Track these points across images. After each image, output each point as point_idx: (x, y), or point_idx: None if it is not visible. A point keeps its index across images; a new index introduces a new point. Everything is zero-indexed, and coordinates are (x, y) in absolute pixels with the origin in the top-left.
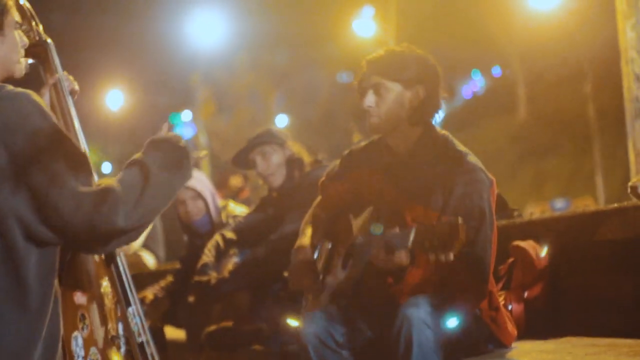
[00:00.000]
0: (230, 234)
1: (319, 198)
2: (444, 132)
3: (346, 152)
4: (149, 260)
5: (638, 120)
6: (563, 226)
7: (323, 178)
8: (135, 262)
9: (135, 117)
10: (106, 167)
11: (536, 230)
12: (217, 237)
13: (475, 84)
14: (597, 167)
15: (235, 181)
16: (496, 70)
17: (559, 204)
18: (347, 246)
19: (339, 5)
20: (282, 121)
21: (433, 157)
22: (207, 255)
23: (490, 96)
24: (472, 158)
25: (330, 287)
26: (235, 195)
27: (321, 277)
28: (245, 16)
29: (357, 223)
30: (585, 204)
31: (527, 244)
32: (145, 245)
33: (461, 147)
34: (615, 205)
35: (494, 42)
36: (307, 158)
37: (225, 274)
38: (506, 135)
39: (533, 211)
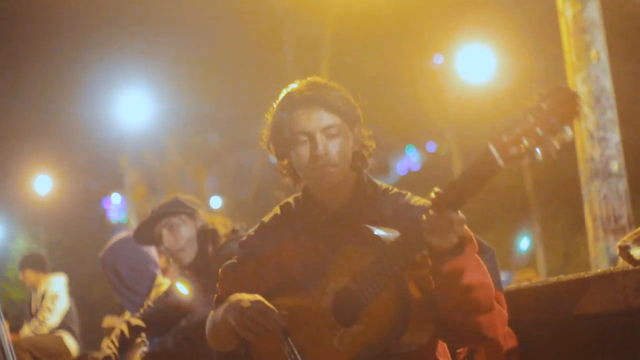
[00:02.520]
0: (136, 321)
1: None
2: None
3: (254, 227)
4: (72, 344)
5: (594, 181)
6: (534, 299)
7: (226, 264)
8: (56, 345)
9: (64, 202)
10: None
11: None
12: (121, 326)
13: (409, 160)
14: (537, 239)
15: (160, 262)
16: (431, 146)
17: (501, 277)
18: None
19: (268, 86)
20: (216, 203)
21: (378, 207)
22: (110, 347)
23: (425, 171)
24: (418, 198)
25: None
26: None
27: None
28: (173, 97)
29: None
30: (528, 277)
31: None
32: (66, 327)
33: (399, 190)
34: (599, 270)
35: (428, 117)
36: (222, 229)
37: None
38: None
39: None
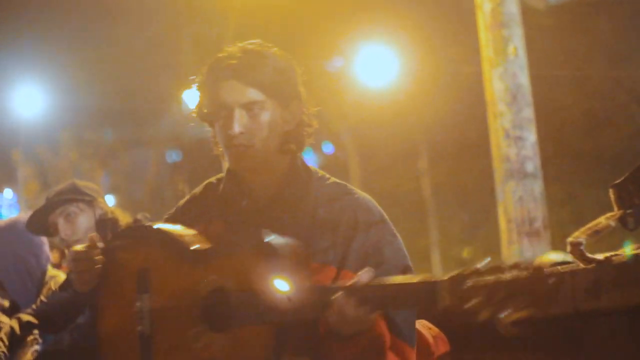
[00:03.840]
0: (27, 317)
1: None
2: (312, 166)
3: (186, 198)
4: None
5: (509, 182)
6: None
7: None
8: None
9: None
10: None
11: None
12: (11, 322)
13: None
14: (433, 244)
15: (52, 257)
16: (327, 147)
17: None
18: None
19: (167, 80)
20: (109, 201)
21: (307, 194)
22: None
23: None
24: (359, 191)
25: None
26: None
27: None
28: (68, 90)
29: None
30: None
31: (419, 325)
32: None
33: (338, 180)
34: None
35: (325, 119)
36: (123, 218)
37: None
38: None
39: None
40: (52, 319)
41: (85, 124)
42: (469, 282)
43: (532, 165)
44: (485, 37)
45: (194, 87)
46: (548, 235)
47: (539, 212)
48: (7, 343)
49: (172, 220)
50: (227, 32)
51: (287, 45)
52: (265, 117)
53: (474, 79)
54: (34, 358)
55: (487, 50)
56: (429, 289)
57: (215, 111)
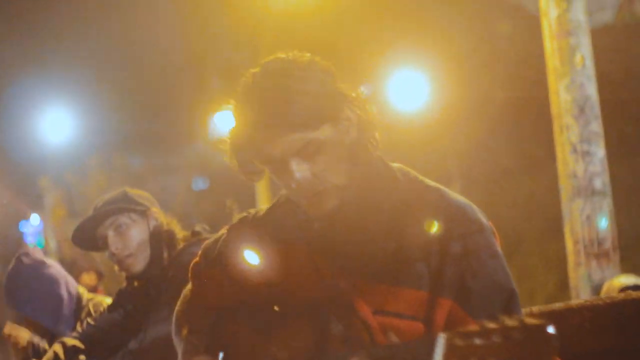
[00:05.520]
0: (73, 341)
1: (188, 287)
2: (396, 164)
3: (237, 221)
4: None
5: (576, 200)
6: (592, 321)
7: (197, 259)
8: None
9: None
10: None
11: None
12: (55, 347)
13: None
14: None
15: (88, 279)
16: None
17: None
18: None
19: (197, 106)
20: None
21: (392, 204)
22: None
23: None
24: (455, 195)
25: None
26: None
27: None
28: (96, 116)
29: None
30: None
31: None
32: None
33: (431, 182)
34: None
35: None
36: (179, 231)
37: None
38: None
39: None
40: (100, 342)
41: (113, 149)
42: (473, 341)
43: (601, 181)
44: (550, 46)
45: (226, 136)
46: (617, 257)
47: (608, 232)
48: None
49: (257, 223)
50: (257, 57)
51: None
52: (324, 149)
53: (506, 103)
54: None
55: (552, 60)
56: (428, 345)
57: (265, 164)
